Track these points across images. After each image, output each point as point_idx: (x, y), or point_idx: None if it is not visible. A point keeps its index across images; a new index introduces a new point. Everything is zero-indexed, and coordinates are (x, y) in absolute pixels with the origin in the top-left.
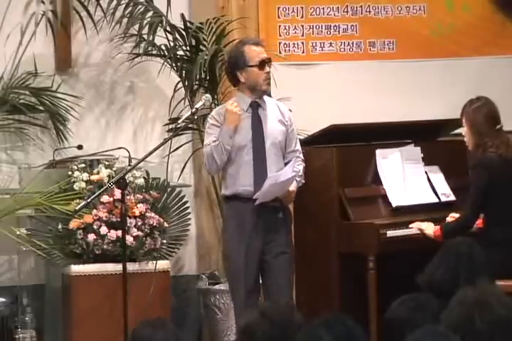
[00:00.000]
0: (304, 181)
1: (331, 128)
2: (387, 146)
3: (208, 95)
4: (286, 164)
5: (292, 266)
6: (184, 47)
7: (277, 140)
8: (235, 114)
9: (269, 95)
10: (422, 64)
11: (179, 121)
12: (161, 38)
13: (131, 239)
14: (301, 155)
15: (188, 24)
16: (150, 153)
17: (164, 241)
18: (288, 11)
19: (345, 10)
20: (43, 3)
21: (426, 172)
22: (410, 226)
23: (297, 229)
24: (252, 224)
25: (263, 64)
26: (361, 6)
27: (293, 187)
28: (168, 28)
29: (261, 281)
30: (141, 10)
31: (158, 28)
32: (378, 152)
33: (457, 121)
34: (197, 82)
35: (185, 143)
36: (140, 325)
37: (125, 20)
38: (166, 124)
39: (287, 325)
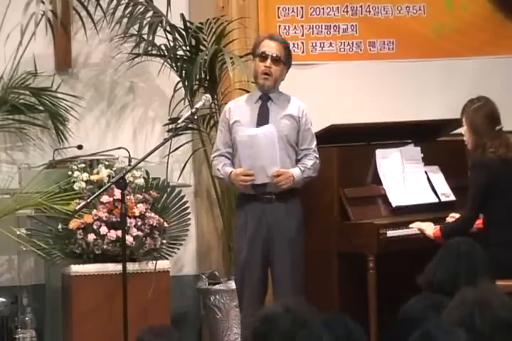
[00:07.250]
0: (313, 175)
1: (331, 128)
2: (387, 146)
3: (207, 95)
4: (297, 161)
5: (298, 262)
6: (184, 47)
7: (283, 133)
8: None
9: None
10: (421, 64)
11: (179, 121)
12: (161, 38)
13: (131, 239)
14: (316, 154)
15: (188, 24)
16: (150, 153)
17: (164, 241)
18: (288, 11)
19: (345, 10)
20: (43, 3)
21: (426, 172)
22: (410, 226)
23: None
24: (255, 221)
25: (264, 57)
26: (361, 6)
27: (284, 175)
28: (168, 28)
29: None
30: (141, 10)
31: (158, 28)
32: (378, 152)
33: (457, 121)
34: (197, 82)
35: (185, 143)
36: (142, 333)
37: (125, 20)
38: (166, 124)
39: (306, 326)
